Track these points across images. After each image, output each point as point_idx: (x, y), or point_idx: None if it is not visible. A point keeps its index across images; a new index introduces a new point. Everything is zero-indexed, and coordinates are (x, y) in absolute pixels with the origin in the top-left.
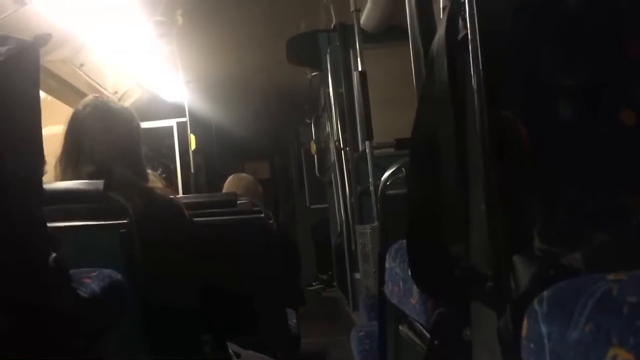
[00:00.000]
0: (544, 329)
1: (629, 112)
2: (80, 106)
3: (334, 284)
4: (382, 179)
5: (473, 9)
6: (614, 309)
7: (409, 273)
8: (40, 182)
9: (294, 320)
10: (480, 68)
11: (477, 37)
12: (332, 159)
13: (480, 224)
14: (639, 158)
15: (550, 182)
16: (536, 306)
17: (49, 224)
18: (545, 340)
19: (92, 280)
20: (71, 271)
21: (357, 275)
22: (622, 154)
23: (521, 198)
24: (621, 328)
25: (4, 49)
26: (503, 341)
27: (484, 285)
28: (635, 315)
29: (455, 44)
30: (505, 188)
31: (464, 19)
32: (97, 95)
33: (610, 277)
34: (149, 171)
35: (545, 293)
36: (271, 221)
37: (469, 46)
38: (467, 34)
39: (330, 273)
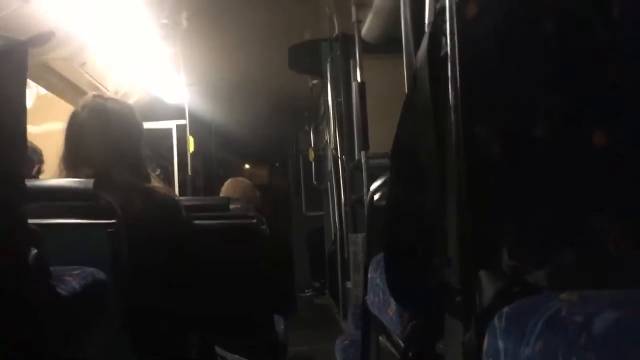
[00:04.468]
0: (501, 345)
1: (600, 134)
2: (79, 107)
3: (326, 291)
4: (371, 189)
5: (454, 27)
6: (561, 329)
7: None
8: (22, 179)
9: (282, 327)
10: (458, 85)
11: (457, 54)
12: (329, 167)
13: (453, 239)
14: (608, 180)
15: (521, 200)
16: (496, 322)
17: (36, 221)
18: (502, 356)
19: (73, 278)
20: (54, 269)
21: (349, 284)
22: (592, 175)
23: (493, 214)
24: (566, 347)
25: None
26: (467, 355)
27: (455, 299)
28: (579, 335)
29: (438, 60)
30: (476, 204)
31: (446, 36)
32: (96, 94)
33: (563, 296)
34: (152, 174)
35: (504, 310)
36: (264, 227)
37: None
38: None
39: (323, 280)
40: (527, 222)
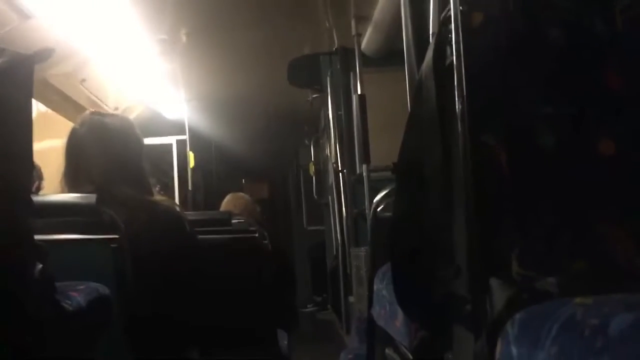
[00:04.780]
0: (514, 351)
1: (607, 142)
2: (77, 125)
3: (329, 306)
4: (374, 201)
5: (459, 37)
6: (577, 332)
7: (395, 296)
8: (28, 194)
9: (286, 342)
10: (464, 94)
11: (462, 64)
12: (330, 181)
13: (462, 248)
14: (615, 187)
15: (529, 208)
16: (509, 328)
17: (41, 236)
18: None
19: (78, 294)
20: (59, 284)
21: (352, 299)
22: (600, 184)
23: (501, 223)
24: (582, 350)
25: None
26: None
27: (464, 308)
28: (595, 337)
29: (443, 70)
30: (484, 213)
31: (451, 46)
32: (93, 111)
33: (577, 300)
34: (155, 189)
35: (517, 316)
36: (266, 241)
37: (454, 72)
38: (453, 60)
39: (325, 295)
40: (535, 229)
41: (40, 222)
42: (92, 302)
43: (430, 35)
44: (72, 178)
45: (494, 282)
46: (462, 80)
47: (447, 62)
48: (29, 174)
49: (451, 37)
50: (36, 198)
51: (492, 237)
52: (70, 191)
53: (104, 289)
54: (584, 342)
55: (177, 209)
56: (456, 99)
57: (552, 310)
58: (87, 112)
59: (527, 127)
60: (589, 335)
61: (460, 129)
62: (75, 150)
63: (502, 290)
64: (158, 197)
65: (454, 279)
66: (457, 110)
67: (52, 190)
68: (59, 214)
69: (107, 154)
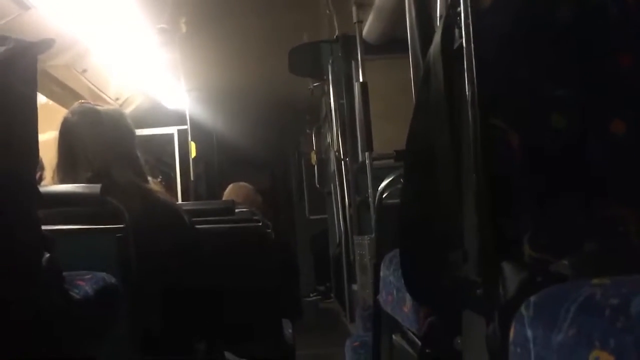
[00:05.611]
0: (529, 333)
1: (618, 122)
2: (68, 114)
3: (332, 295)
4: (379, 189)
5: (468, 19)
6: (596, 312)
7: (402, 281)
8: (34, 183)
9: (290, 331)
10: (474, 77)
11: (472, 46)
12: (332, 169)
13: (473, 232)
14: (627, 168)
15: (541, 191)
16: (523, 311)
17: (46, 227)
18: (531, 345)
19: (85, 283)
20: (66, 273)
21: (355, 287)
22: (612, 164)
23: (512, 206)
24: (603, 331)
25: (1, 48)
26: (491, 348)
27: (474, 292)
28: (616, 317)
29: (451, 53)
30: (496, 196)
31: (460, 28)
32: (83, 101)
33: (595, 281)
34: (149, 178)
35: (532, 298)
36: (269, 230)
37: (463, 55)
38: (462, 43)
39: (328, 284)
40: (547, 212)
41: (43, 212)
42: (100, 291)
43: (438, 18)
44: (68, 166)
45: (506, 266)
46: (472, 63)
47: (456, 45)
48: (35, 164)
49: (460, 20)
50: (41, 189)
51: (504, 221)
52: (65, 180)
53: (110, 278)
54: (604, 322)
55: (174, 201)
56: (466, 82)
57: (569, 291)
58: (77, 103)
59: (538, 110)
60: (610, 315)
61: (470, 112)
62: (68, 138)
63: (515, 273)
64: (155, 187)
65: (462, 263)
66: (467, 93)
67: (50, 181)
68: (64, 204)
69: (102, 137)
